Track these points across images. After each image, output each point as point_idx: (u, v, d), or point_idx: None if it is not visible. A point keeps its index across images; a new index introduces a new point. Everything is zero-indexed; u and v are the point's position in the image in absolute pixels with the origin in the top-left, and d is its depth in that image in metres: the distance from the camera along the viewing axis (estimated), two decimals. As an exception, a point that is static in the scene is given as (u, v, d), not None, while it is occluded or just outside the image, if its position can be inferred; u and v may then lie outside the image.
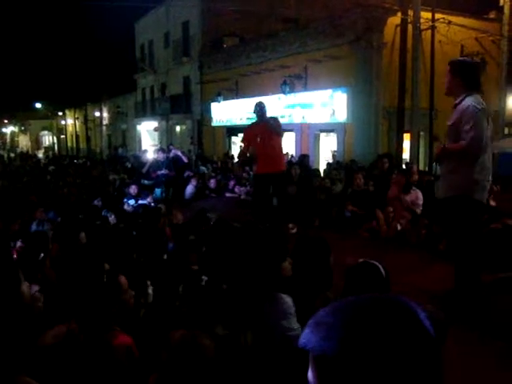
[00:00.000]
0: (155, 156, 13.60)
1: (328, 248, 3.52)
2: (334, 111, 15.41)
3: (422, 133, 14.52)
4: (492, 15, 17.43)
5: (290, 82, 17.05)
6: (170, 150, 13.71)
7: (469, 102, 4.01)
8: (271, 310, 2.75)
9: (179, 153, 13.90)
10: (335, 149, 16.38)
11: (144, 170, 13.00)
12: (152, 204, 9.46)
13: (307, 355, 0.91)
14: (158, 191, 12.02)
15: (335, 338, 0.85)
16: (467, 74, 4.08)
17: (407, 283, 4.57)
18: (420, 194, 7.56)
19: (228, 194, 12.31)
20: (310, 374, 0.89)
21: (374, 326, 0.84)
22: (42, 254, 4.01)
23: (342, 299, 0.94)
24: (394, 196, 7.54)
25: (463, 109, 4.01)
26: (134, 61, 33.61)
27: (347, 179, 9.85)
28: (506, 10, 16.44)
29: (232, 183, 12.69)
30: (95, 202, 9.41)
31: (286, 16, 21.44)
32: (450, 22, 15.03)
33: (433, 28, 14.27)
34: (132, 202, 9.86)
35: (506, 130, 17.70)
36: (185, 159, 14.03)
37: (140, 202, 9.72)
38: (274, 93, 17.78)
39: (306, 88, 16.94)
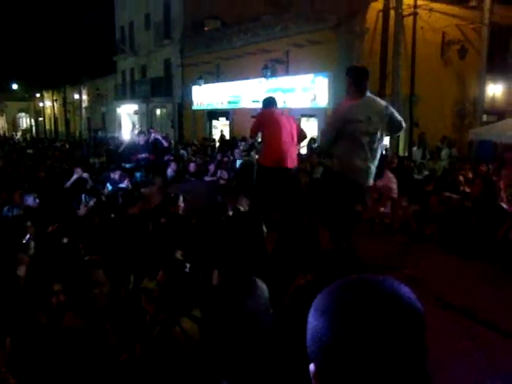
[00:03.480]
0: (133, 138, 13.47)
1: (315, 229, 3.56)
2: (315, 96, 15.40)
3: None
4: (473, 3, 17.48)
5: (272, 67, 16.96)
6: (150, 134, 13.56)
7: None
8: (246, 294, 2.76)
9: (159, 136, 13.75)
10: (316, 134, 16.38)
11: (120, 149, 12.85)
12: (130, 188, 9.37)
13: (281, 341, 0.91)
14: (137, 175, 11.90)
15: (329, 324, 0.85)
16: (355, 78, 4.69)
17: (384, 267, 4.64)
18: (391, 177, 7.54)
19: (208, 178, 12.24)
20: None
21: (365, 309, 0.84)
22: (28, 236, 3.97)
23: (335, 282, 0.93)
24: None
25: None
26: (114, 42, 33.02)
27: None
28: (487, -2, 16.50)
29: (212, 167, 12.62)
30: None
31: (268, -1, 21.27)
32: (431, 9, 15.06)
33: (415, 14, 14.27)
34: (109, 186, 9.74)
35: (485, 118, 17.87)
36: (165, 143, 13.89)
37: (120, 186, 9.60)
38: (255, 77, 17.68)
39: (287, 72, 16.87)
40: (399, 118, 4.75)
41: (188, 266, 3.05)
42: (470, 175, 8.74)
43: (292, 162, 6.58)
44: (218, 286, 2.88)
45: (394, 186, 7.47)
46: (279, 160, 6.40)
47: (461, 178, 8.38)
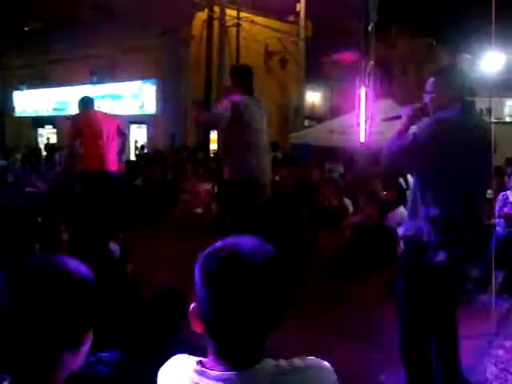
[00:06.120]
0: None
1: None
2: (143, 103, 15.33)
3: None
4: (291, 18, 18.88)
5: (99, 73, 16.48)
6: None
7: None
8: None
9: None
10: (146, 140, 16.27)
11: None
12: None
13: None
14: None
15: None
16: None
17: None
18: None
19: (28, 189, 11.48)
20: None
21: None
22: None
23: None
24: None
25: None
26: None
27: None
28: (302, 15, 17.87)
29: (34, 177, 11.88)
30: None
31: (94, 2, 20.51)
32: (253, 21, 15.95)
33: (237, 25, 14.99)
34: None
35: (307, 123, 19.38)
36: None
37: None
38: (82, 83, 17.00)
39: (115, 79, 16.52)
40: None
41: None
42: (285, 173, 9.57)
43: (113, 165, 6.23)
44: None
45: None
46: (101, 162, 6.01)
47: (277, 177, 9.09)
